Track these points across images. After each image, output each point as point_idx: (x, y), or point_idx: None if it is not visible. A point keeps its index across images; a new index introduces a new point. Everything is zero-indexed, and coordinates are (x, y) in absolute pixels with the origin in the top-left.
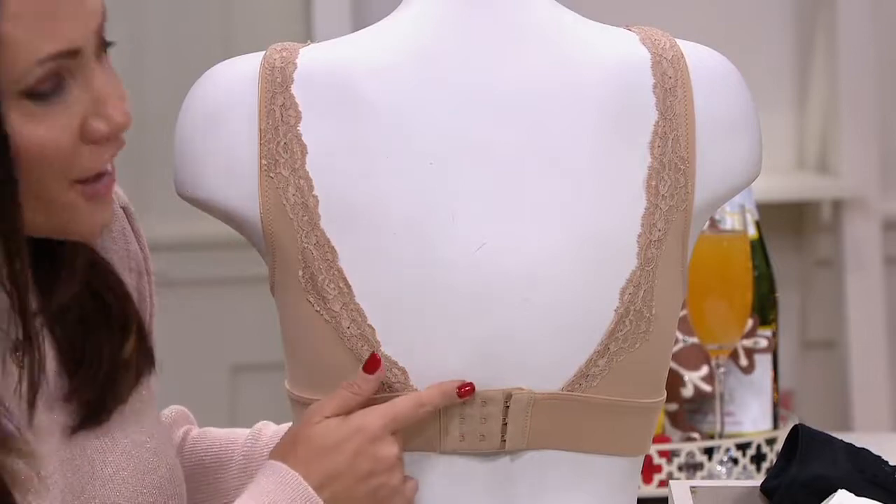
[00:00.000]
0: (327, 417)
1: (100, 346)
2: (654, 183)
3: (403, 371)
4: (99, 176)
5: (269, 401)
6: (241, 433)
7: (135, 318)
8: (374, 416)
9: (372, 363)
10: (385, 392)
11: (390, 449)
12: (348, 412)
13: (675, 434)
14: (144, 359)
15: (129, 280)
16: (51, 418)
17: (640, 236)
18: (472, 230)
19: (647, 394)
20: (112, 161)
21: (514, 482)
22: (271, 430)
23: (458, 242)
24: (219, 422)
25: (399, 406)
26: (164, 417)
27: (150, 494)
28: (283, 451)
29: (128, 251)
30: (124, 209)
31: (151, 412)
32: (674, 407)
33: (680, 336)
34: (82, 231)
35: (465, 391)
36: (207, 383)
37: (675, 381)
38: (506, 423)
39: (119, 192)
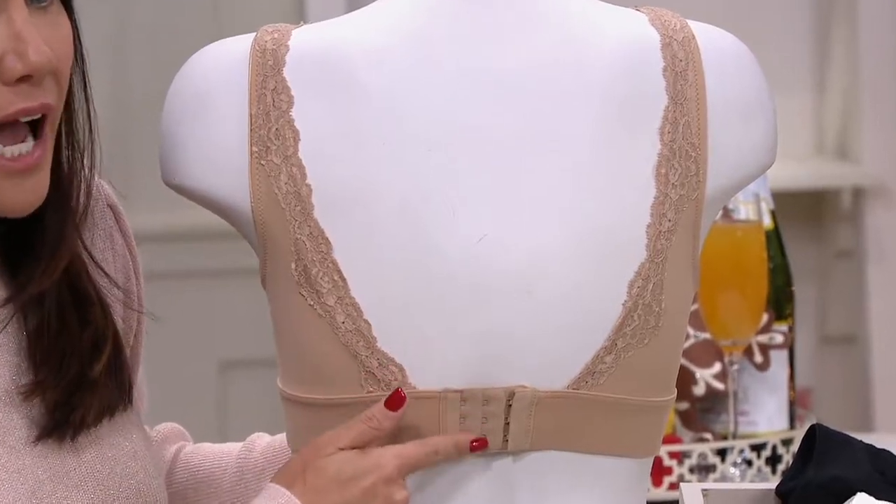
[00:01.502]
0: (342, 449)
1: (71, 348)
2: (663, 171)
3: (401, 368)
4: (18, 147)
5: (259, 399)
6: (233, 447)
7: (112, 339)
8: (391, 457)
9: (396, 400)
10: (382, 391)
11: (402, 494)
12: (363, 445)
13: (686, 434)
14: (117, 388)
15: (115, 291)
16: (9, 417)
17: (648, 227)
18: (471, 221)
19: (656, 392)
20: (46, 136)
21: (516, 484)
22: (265, 442)
23: (457, 234)
24: (206, 422)
25: (414, 452)
26: (156, 434)
27: None
28: (290, 477)
29: (114, 252)
30: (111, 208)
31: (129, 421)
32: (685, 406)
33: (691, 331)
34: (7, 206)
35: (477, 446)
36: (194, 380)
37: (686, 379)
38: (508, 423)
39: (106, 188)
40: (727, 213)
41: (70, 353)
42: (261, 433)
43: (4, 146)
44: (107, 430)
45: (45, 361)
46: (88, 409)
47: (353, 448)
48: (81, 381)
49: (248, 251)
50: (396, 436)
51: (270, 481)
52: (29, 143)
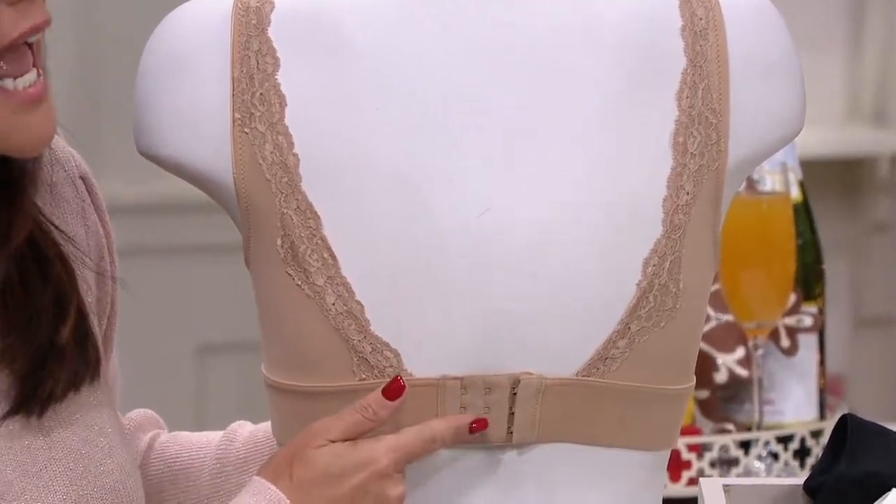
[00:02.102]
0: (332, 441)
1: (37, 310)
2: (681, 139)
3: (396, 354)
4: (25, 73)
5: (240, 386)
6: (213, 436)
7: (75, 301)
8: (385, 449)
9: (394, 388)
10: (375, 378)
11: (397, 489)
12: (356, 436)
13: (706, 425)
14: (82, 356)
15: (88, 262)
16: None
17: (665, 200)
18: (473, 194)
19: (673, 379)
20: (41, 60)
21: (520, 479)
22: (247, 432)
23: (458, 208)
24: (183, 410)
25: (410, 441)
26: (128, 422)
27: None
28: (276, 470)
29: (87, 228)
30: (84, 179)
31: (104, 414)
32: (705, 394)
33: (712, 313)
34: (19, 144)
35: (477, 427)
36: (170, 365)
37: (706, 365)
38: (513, 413)
39: (77, 158)
40: (751, 184)
41: (36, 316)
42: (243, 422)
43: (15, 78)
44: (81, 425)
45: (11, 327)
46: (57, 380)
47: (345, 440)
48: (51, 349)
49: (229, 225)
50: (391, 426)
51: (255, 475)
52: (33, 73)
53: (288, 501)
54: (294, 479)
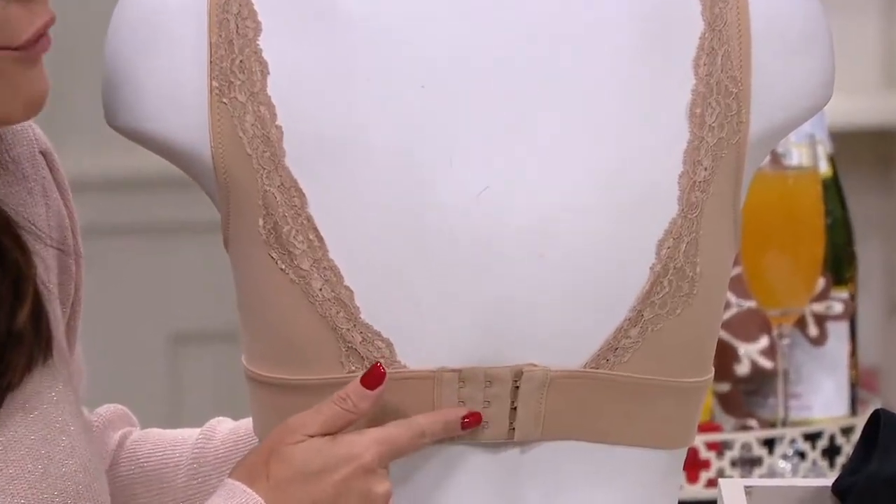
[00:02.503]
0: (311, 436)
1: None
2: (698, 110)
3: (388, 344)
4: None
5: (217, 378)
6: (189, 434)
7: (31, 286)
8: (369, 443)
9: (374, 376)
10: (365, 370)
11: (383, 486)
12: (336, 430)
13: (726, 421)
14: (37, 337)
15: (49, 244)
16: None
17: (681, 177)
18: (473, 171)
19: (690, 371)
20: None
21: (523, 479)
22: (226, 429)
23: (456, 186)
24: (154, 404)
25: (396, 435)
26: (97, 418)
27: None
28: (251, 470)
29: (48, 208)
30: (44, 155)
31: (66, 410)
32: (725, 387)
33: (733, 299)
34: (20, 104)
35: (469, 422)
36: (140, 356)
37: (726, 356)
38: (515, 408)
39: (37, 132)
40: (776, 157)
41: None
42: (221, 418)
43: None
44: (40, 423)
45: None
46: (15, 369)
47: (325, 434)
48: (8, 337)
49: (206, 203)
50: (381, 423)
51: (228, 476)
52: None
53: (264, 503)
54: (271, 479)
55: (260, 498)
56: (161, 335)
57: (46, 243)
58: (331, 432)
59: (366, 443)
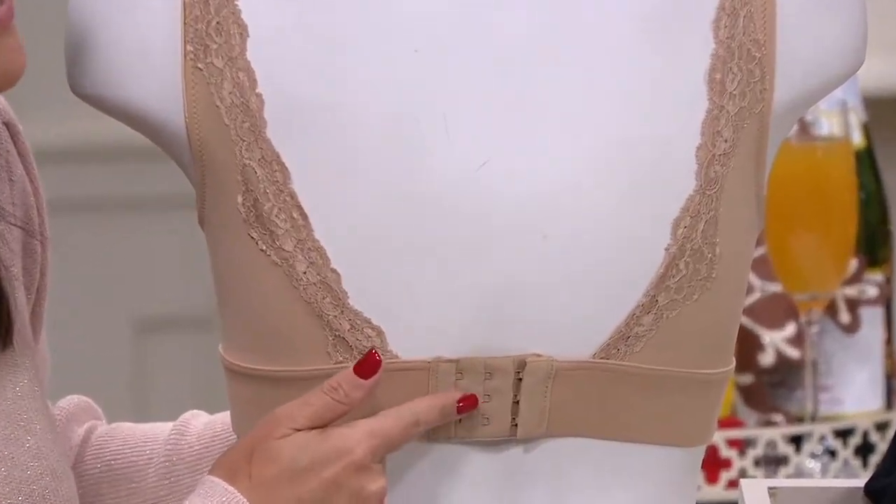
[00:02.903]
0: (298, 430)
1: None
2: (718, 76)
3: (379, 332)
4: None
5: (190, 370)
6: (161, 429)
7: None
8: (361, 436)
9: (368, 364)
10: (355, 360)
11: (377, 483)
12: (326, 423)
13: (749, 416)
14: None
15: (14, 223)
16: None
17: (699, 149)
18: (471, 142)
19: (708, 362)
20: None
21: (526, 480)
22: (202, 423)
23: (452, 158)
24: (119, 396)
25: (390, 425)
26: (59, 411)
27: None
28: (232, 466)
29: (11, 183)
30: (8, 126)
31: (30, 407)
32: (748, 379)
33: (756, 282)
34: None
35: (465, 406)
36: (103, 344)
37: (749, 345)
38: (517, 402)
39: (0, 100)
40: (804, 127)
41: None
42: (196, 411)
43: None
44: (3, 421)
45: None
46: None
47: (313, 427)
48: None
49: (178, 175)
50: (368, 416)
51: (208, 473)
52: None
53: (246, 502)
54: (254, 477)
55: (242, 497)
56: (127, 321)
57: (10, 222)
58: (320, 425)
59: (358, 436)
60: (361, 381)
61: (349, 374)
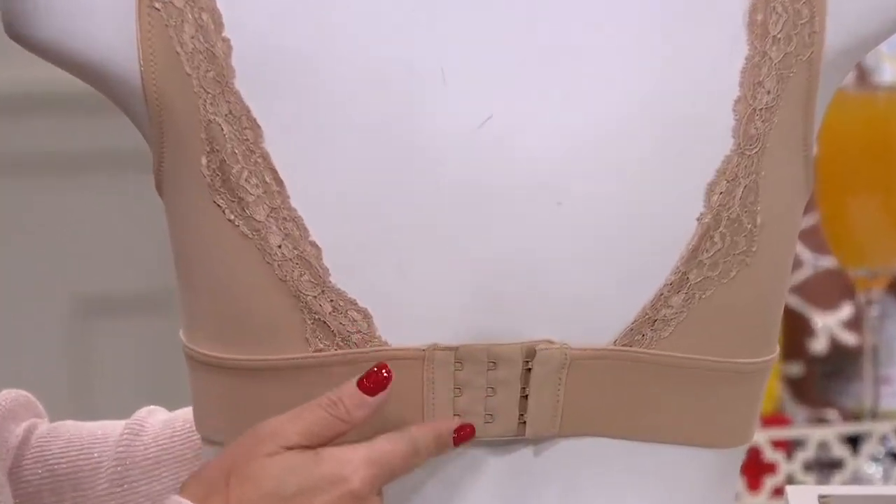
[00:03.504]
0: (287, 448)
1: None
2: (760, 18)
3: (365, 315)
4: None
5: (139, 360)
6: (111, 428)
7: None
8: (359, 463)
9: (375, 378)
10: (338, 348)
11: None
12: (320, 443)
13: (798, 413)
14: None
15: None
16: None
17: (737, 102)
18: (473, 94)
19: (748, 349)
20: None
21: (535, 486)
22: (158, 422)
23: (451, 113)
24: (56, 388)
25: (390, 453)
26: None
27: None
28: (207, 486)
29: None
30: None
31: None
32: (797, 370)
33: (806, 257)
34: None
35: (461, 435)
36: (36, 328)
37: (798, 329)
38: (526, 396)
39: None
40: (862, 74)
41: None
42: (153, 407)
43: None
44: None
45: None
46: None
47: (305, 447)
48: None
49: (131, 130)
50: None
51: (177, 493)
52: None
53: None
54: (231, 500)
55: None
56: (66, 302)
57: None
58: (313, 445)
59: (357, 462)
60: (367, 398)
61: (352, 388)
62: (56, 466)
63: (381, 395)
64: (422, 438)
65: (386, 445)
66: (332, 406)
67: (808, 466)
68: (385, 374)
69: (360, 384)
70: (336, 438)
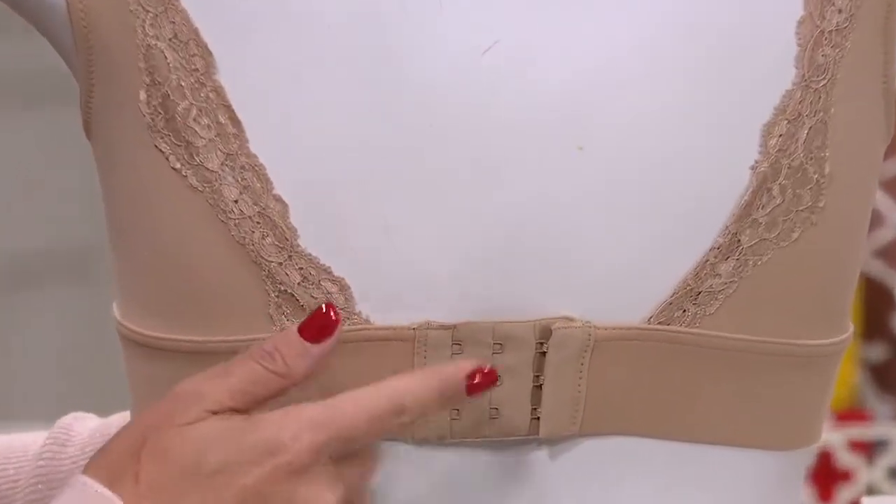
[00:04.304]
0: (213, 412)
1: None
2: None
3: (342, 286)
4: None
5: (59, 338)
6: (31, 440)
7: None
8: (300, 427)
9: (319, 321)
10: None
11: (326, 494)
12: (254, 404)
13: (880, 406)
14: None
15: None
16: None
17: (801, 24)
18: (474, 18)
19: (813, 329)
20: None
21: (553, 497)
22: (87, 430)
23: (449, 37)
24: None
25: (350, 413)
26: None
27: None
28: (114, 464)
29: None
30: None
31: None
32: (879, 354)
33: (889, 214)
34: None
35: (479, 382)
36: None
37: (881, 304)
38: (540, 386)
39: None
40: None
41: None
42: (80, 413)
43: None
44: None
45: None
46: None
47: (234, 410)
48: None
49: (50, 54)
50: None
51: (81, 472)
52: None
53: None
54: (143, 481)
55: None
56: None
57: None
58: (245, 408)
59: (294, 427)
60: (308, 345)
61: (291, 335)
62: None
63: (326, 343)
64: (413, 390)
65: (342, 405)
66: (267, 358)
67: (893, 473)
68: (333, 317)
69: (300, 329)
70: (273, 398)
